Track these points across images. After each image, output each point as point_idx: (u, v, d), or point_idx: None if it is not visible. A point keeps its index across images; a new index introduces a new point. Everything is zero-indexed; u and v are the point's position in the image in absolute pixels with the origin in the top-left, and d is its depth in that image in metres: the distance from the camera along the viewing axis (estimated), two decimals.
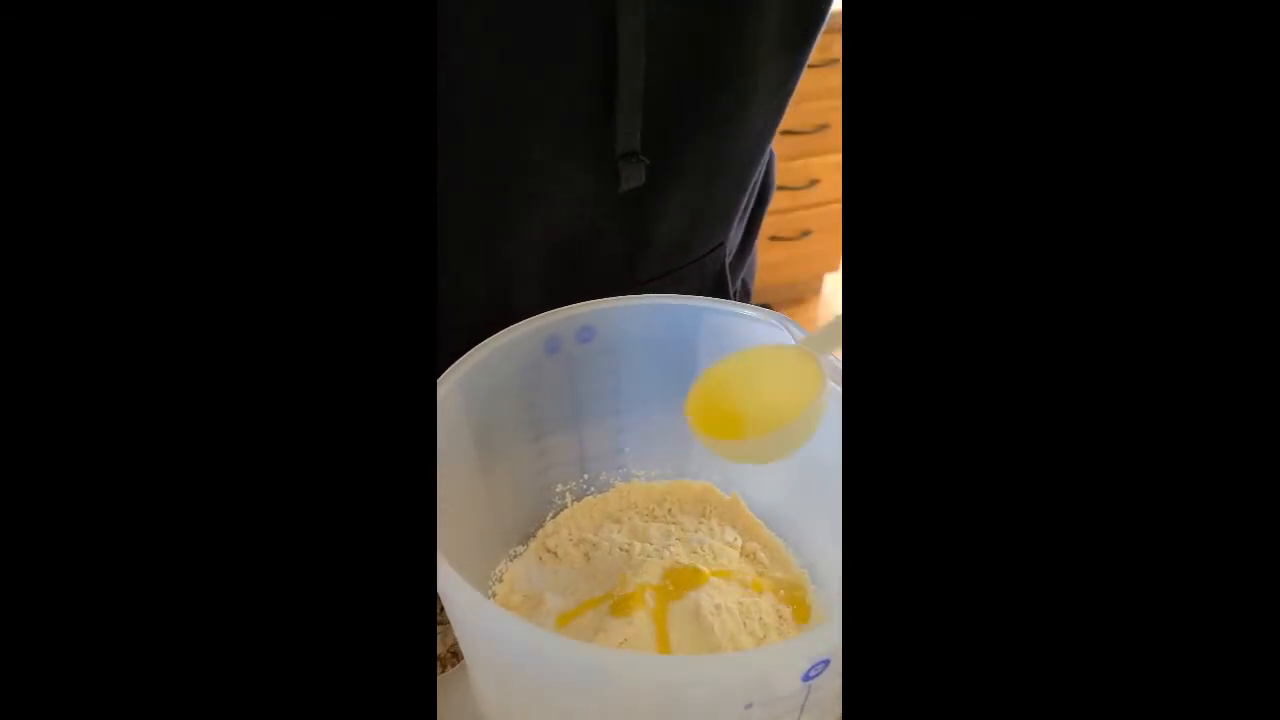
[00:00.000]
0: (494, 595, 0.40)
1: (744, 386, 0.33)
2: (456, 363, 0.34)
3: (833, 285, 1.83)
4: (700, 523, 0.44)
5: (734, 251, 0.56)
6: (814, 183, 1.55)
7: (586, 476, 0.45)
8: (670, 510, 0.45)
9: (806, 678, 0.24)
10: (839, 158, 1.48)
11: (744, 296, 0.60)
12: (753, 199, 0.55)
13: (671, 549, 0.42)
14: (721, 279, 0.55)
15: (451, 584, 0.25)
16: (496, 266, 0.46)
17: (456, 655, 0.40)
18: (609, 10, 0.36)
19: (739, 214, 0.52)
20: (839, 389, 0.35)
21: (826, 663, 0.24)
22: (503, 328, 0.37)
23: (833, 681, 0.26)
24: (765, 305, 0.43)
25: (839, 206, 1.52)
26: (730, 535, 0.44)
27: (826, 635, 0.24)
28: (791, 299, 1.81)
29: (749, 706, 0.24)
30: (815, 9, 0.43)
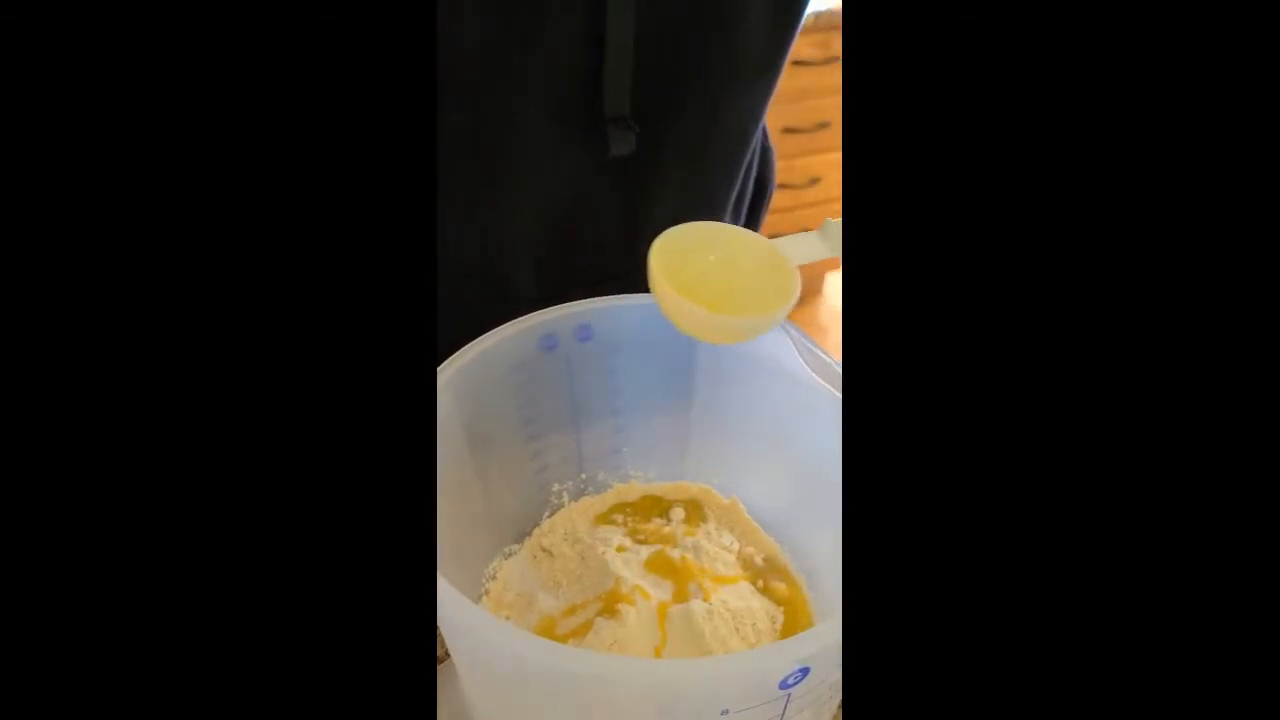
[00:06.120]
0: (487, 593, 0.40)
1: (719, 259, 0.31)
2: (449, 359, 0.34)
3: (833, 285, 1.82)
4: (698, 526, 0.44)
5: None
6: (815, 181, 1.53)
7: (584, 476, 0.45)
8: (667, 512, 0.45)
9: (784, 685, 0.23)
10: (840, 155, 1.47)
11: None
12: (750, 186, 0.54)
13: (668, 552, 0.41)
14: None
15: (438, 585, 0.25)
16: (490, 238, 0.45)
17: (449, 654, 0.40)
18: None
19: (734, 194, 0.52)
20: (838, 393, 0.35)
21: (806, 671, 0.23)
22: (501, 311, 0.37)
23: (822, 685, 0.26)
24: None
25: (840, 205, 1.50)
26: (728, 539, 0.43)
27: (806, 642, 0.23)
28: None
29: (725, 713, 0.24)
30: None
